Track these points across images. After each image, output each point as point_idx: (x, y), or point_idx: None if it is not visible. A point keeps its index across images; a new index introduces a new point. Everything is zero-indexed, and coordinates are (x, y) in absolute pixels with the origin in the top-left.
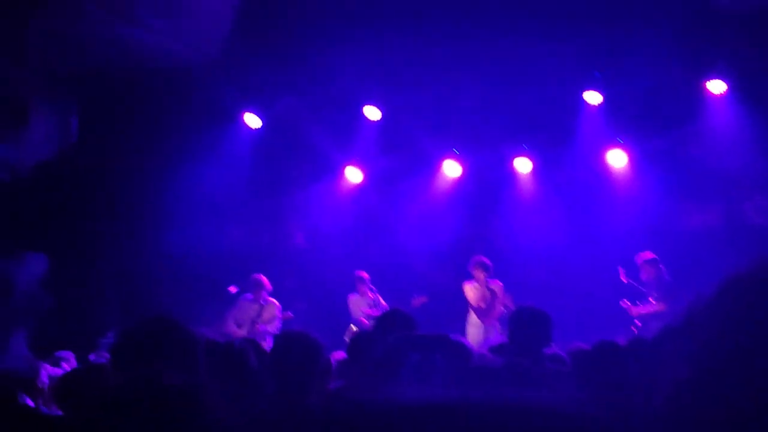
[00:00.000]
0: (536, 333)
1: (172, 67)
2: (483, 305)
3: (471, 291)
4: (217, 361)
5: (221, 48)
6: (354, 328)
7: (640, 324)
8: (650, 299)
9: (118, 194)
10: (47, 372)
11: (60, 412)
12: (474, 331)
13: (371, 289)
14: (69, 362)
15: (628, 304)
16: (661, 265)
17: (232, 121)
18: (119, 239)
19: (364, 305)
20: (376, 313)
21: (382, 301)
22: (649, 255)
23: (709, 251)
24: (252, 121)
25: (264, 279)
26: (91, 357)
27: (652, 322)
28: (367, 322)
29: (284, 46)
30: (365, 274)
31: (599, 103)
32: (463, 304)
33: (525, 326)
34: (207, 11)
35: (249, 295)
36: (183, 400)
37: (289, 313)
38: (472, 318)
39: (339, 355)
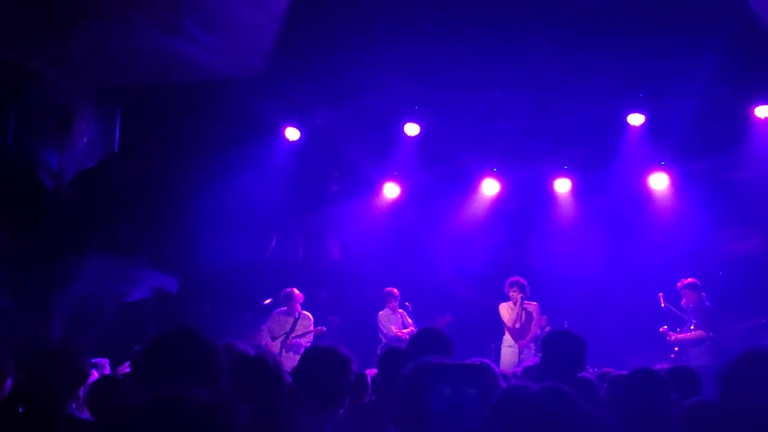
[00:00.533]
0: (570, 357)
1: (215, 80)
2: (518, 326)
3: (506, 311)
4: (246, 372)
5: (264, 62)
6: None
7: (678, 350)
8: (690, 326)
9: (157, 205)
10: None
11: (92, 418)
12: (509, 351)
13: (403, 307)
14: (104, 369)
15: (667, 329)
16: (702, 292)
17: (272, 135)
18: (157, 250)
19: (393, 321)
20: (403, 332)
21: (409, 320)
22: (690, 280)
23: (751, 278)
24: (291, 134)
25: (297, 292)
26: (124, 366)
27: (690, 349)
28: (400, 333)
29: (325, 61)
30: (396, 291)
31: (642, 124)
32: (499, 325)
33: (559, 350)
34: (251, 25)
35: (283, 308)
36: (207, 417)
37: (322, 327)
38: (507, 339)
39: (373, 371)
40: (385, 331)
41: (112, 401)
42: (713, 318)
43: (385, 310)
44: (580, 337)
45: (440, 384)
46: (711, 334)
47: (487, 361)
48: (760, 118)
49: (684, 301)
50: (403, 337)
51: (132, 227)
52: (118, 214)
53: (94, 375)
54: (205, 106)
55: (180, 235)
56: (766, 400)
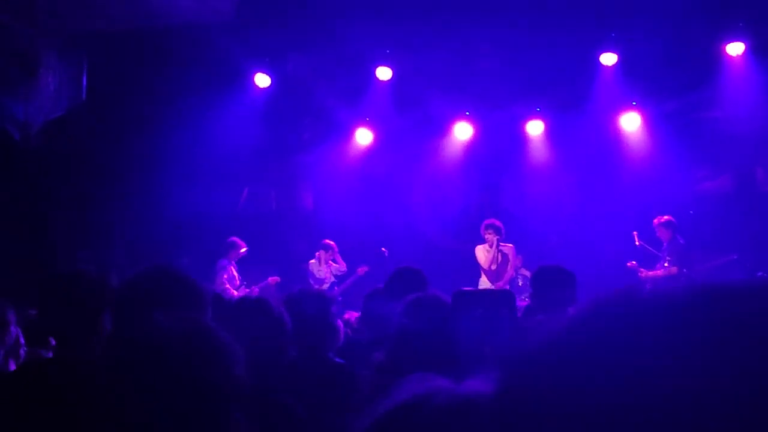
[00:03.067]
0: (561, 292)
1: (183, 26)
2: (494, 268)
3: (482, 254)
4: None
5: (233, 7)
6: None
7: (650, 287)
8: (665, 263)
9: (127, 153)
10: None
11: None
12: None
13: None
14: None
15: (636, 265)
16: (676, 229)
17: (242, 82)
18: (127, 199)
19: (322, 271)
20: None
21: (339, 264)
22: (665, 218)
23: (722, 216)
24: (261, 80)
25: (238, 240)
26: None
27: (663, 285)
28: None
29: (295, 4)
30: (333, 244)
31: (614, 64)
32: (475, 267)
33: (549, 285)
34: None
35: (224, 261)
36: (190, 345)
37: (276, 278)
38: (483, 281)
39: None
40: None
41: None
42: (686, 254)
43: (314, 260)
44: (569, 271)
45: (470, 310)
46: (684, 270)
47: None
48: (731, 56)
49: (660, 236)
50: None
51: (100, 179)
52: (85, 167)
53: None
54: (173, 52)
55: (150, 186)
56: None
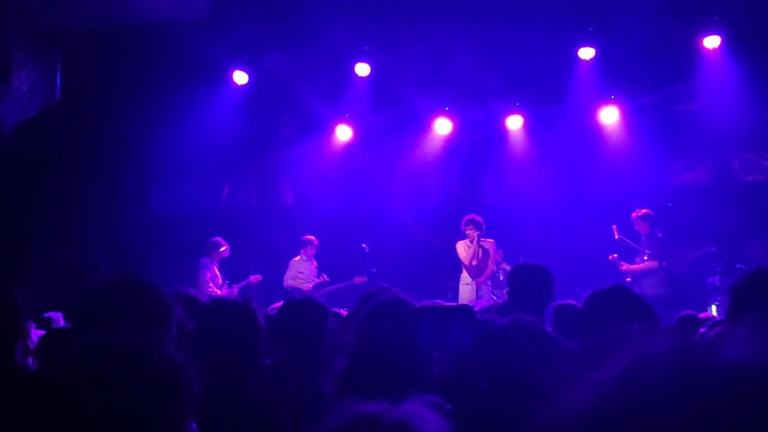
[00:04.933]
0: (537, 290)
1: (159, 22)
2: (475, 263)
3: (463, 249)
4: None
5: (208, 2)
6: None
7: (630, 280)
8: (644, 257)
9: (103, 153)
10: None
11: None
12: (466, 289)
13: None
14: (58, 323)
15: (617, 258)
16: (654, 222)
17: (220, 78)
18: (105, 198)
19: (305, 269)
20: (306, 286)
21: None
22: (644, 211)
23: (699, 208)
24: (240, 77)
25: (221, 240)
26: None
27: (644, 279)
28: (298, 285)
29: (272, 1)
30: (315, 240)
31: (592, 58)
32: (456, 263)
33: (525, 283)
34: None
35: (206, 259)
36: (133, 361)
37: (258, 276)
38: (465, 276)
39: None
40: (287, 277)
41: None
42: (664, 248)
43: (299, 256)
44: (546, 269)
45: (426, 326)
46: (663, 263)
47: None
48: (707, 49)
49: (638, 230)
50: (304, 288)
51: (77, 178)
52: (61, 166)
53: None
54: (149, 50)
55: (129, 184)
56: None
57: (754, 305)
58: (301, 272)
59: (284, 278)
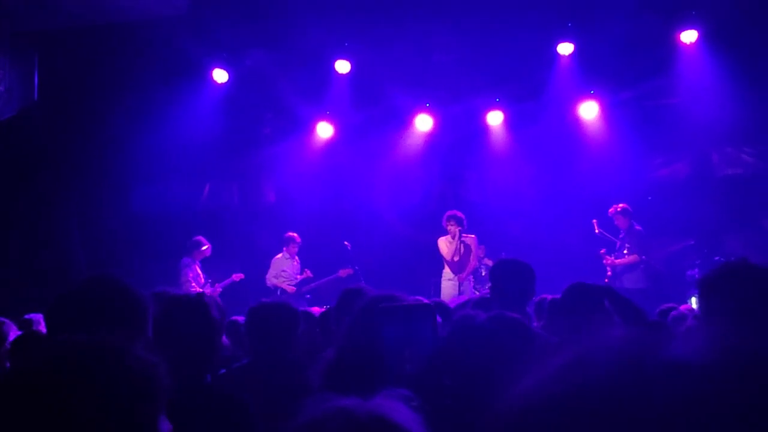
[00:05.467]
0: (519, 286)
1: (138, 21)
2: (457, 259)
3: (445, 245)
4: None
5: (189, 1)
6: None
7: (611, 274)
8: (624, 251)
9: (83, 153)
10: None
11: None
12: (449, 284)
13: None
14: (39, 324)
15: (606, 252)
16: (632, 216)
17: (200, 77)
18: (86, 198)
19: (287, 267)
20: (288, 286)
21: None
22: (621, 206)
23: (678, 202)
24: (220, 76)
25: (203, 239)
26: None
27: (625, 274)
28: (278, 284)
29: None
30: (297, 237)
31: (571, 53)
32: (438, 259)
33: (507, 279)
34: None
35: (188, 258)
36: (101, 363)
37: (240, 274)
38: (447, 272)
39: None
40: (269, 276)
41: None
42: (645, 242)
43: (281, 254)
44: (528, 264)
45: (390, 325)
46: (644, 257)
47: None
48: (685, 44)
49: (618, 224)
50: (288, 288)
51: (57, 178)
52: (41, 166)
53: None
54: (128, 49)
55: (110, 184)
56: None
57: (723, 303)
58: (284, 270)
59: (266, 277)
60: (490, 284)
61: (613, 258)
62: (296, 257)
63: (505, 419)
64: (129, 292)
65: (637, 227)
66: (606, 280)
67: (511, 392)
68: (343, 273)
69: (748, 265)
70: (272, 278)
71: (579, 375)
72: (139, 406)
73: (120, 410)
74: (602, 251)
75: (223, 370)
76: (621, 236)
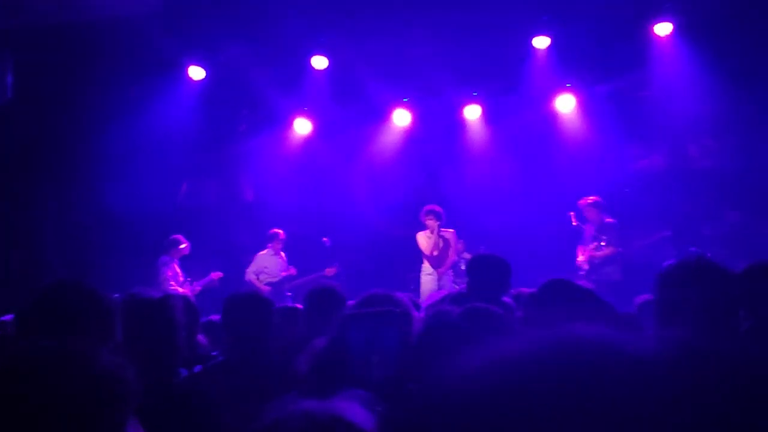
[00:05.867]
0: (495, 280)
1: (112, 19)
2: (436, 253)
3: (423, 240)
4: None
5: None
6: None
7: (588, 267)
8: (601, 243)
9: (58, 151)
10: None
11: None
12: (428, 279)
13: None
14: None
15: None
16: (602, 208)
17: (176, 74)
18: (60, 197)
19: (273, 264)
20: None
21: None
22: (592, 198)
23: (655, 193)
24: (196, 73)
25: (180, 237)
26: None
27: (604, 266)
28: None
29: None
30: (282, 233)
31: (547, 46)
32: (417, 254)
33: (483, 273)
34: None
35: (166, 257)
36: (61, 368)
37: (219, 273)
38: (426, 267)
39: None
40: (249, 270)
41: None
42: (620, 233)
43: (266, 250)
44: (503, 259)
45: (357, 332)
46: (620, 249)
47: (400, 294)
48: (660, 36)
49: (588, 217)
50: (259, 287)
51: (31, 177)
52: (14, 165)
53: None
54: (102, 47)
55: (85, 183)
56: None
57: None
58: (266, 267)
59: (246, 271)
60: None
61: (591, 250)
62: (282, 254)
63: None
64: (96, 297)
65: (609, 219)
66: (582, 273)
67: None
68: (329, 272)
69: (705, 261)
70: (251, 273)
71: (522, 364)
72: (106, 411)
73: (87, 415)
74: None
75: (199, 367)
76: (596, 229)
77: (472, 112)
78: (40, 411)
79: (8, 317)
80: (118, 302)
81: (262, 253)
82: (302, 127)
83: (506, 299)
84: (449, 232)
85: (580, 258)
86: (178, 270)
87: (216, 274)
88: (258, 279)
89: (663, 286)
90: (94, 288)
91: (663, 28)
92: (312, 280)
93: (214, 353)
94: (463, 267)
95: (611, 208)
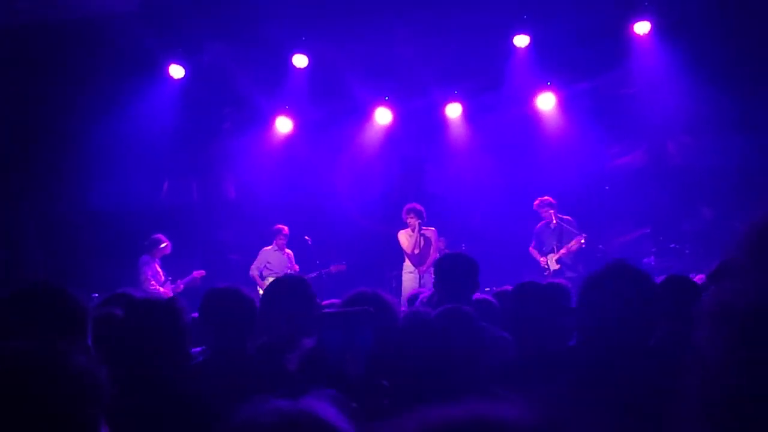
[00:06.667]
0: (463, 280)
1: (91, 17)
2: (417, 252)
3: (405, 238)
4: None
5: None
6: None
7: (559, 267)
8: (581, 240)
9: (39, 150)
10: None
11: None
12: (409, 277)
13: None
14: None
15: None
16: (554, 208)
17: (156, 71)
18: (42, 196)
19: (277, 260)
20: (293, 270)
21: (295, 265)
22: (542, 199)
23: (635, 191)
24: (176, 71)
25: (162, 237)
26: None
27: (576, 263)
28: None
29: None
30: (286, 229)
31: (527, 45)
32: (398, 252)
33: (450, 273)
34: None
35: (147, 257)
36: (31, 368)
37: (201, 271)
38: (407, 265)
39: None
40: (253, 266)
41: None
42: (576, 229)
43: (271, 246)
44: (471, 258)
45: (331, 331)
46: (585, 234)
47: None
48: (638, 35)
49: (544, 217)
50: (259, 283)
51: (11, 176)
52: None
53: None
54: (81, 45)
55: (66, 182)
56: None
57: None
58: (270, 262)
59: (251, 267)
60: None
61: (564, 250)
62: (286, 250)
63: None
64: (69, 299)
65: (566, 217)
66: (546, 273)
67: None
68: (334, 269)
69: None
70: (254, 269)
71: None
72: (78, 412)
73: (59, 416)
74: (581, 239)
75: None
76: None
77: (454, 111)
78: (12, 410)
79: None
80: (94, 303)
81: (266, 248)
82: (284, 125)
83: (489, 297)
84: (430, 231)
85: (552, 257)
86: (159, 270)
87: (198, 273)
88: (261, 275)
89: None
90: (67, 291)
91: (642, 27)
92: (316, 278)
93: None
94: None
95: (591, 205)
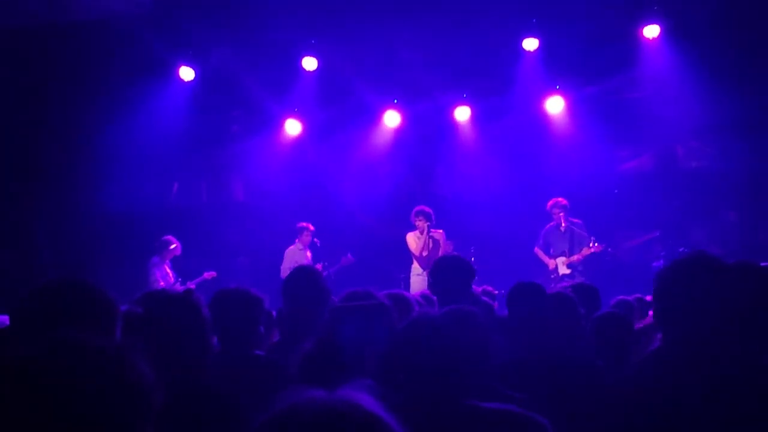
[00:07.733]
0: (458, 283)
1: (102, 20)
2: (426, 254)
3: (413, 240)
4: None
5: None
6: None
7: (570, 272)
8: (593, 243)
9: (50, 152)
10: None
11: None
12: (418, 280)
13: (312, 243)
14: (4, 325)
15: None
16: (565, 211)
17: (166, 74)
18: (51, 198)
19: (301, 258)
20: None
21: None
22: (555, 200)
23: (644, 194)
24: (186, 74)
25: (171, 238)
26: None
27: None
28: None
29: None
30: (311, 227)
31: (536, 49)
32: (407, 254)
33: (446, 276)
34: None
35: (156, 258)
36: (101, 362)
37: (212, 272)
38: (416, 267)
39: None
40: (283, 268)
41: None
42: (588, 234)
43: (294, 245)
44: (467, 261)
45: (348, 324)
46: (610, 249)
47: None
48: (647, 39)
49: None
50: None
51: (21, 178)
52: (6, 165)
53: None
54: (92, 47)
55: (76, 183)
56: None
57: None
58: (297, 262)
59: (281, 268)
60: (430, 281)
61: (578, 256)
62: (308, 248)
63: None
64: (100, 295)
65: (575, 220)
66: (553, 276)
67: None
68: (345, 261)
69: (705, 257)
70: (286, 270)
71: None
72: (133, 418)
73: (113, 417)
74: (593, 243)
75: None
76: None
77: (462, 114)
78: (68, 405)
79: (1, 317)
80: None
81: (291, 248)
82: (293, 128)
83: (489, 288)
84: (439, 233)
85: (563, 261)
86: (169, 271)
87: (209, 274)
88: None
89: (661, 288)
90: (98, 287)
91: (651, 31)
92: (335, 274)
93: None
94: None
95: (600, 209)
